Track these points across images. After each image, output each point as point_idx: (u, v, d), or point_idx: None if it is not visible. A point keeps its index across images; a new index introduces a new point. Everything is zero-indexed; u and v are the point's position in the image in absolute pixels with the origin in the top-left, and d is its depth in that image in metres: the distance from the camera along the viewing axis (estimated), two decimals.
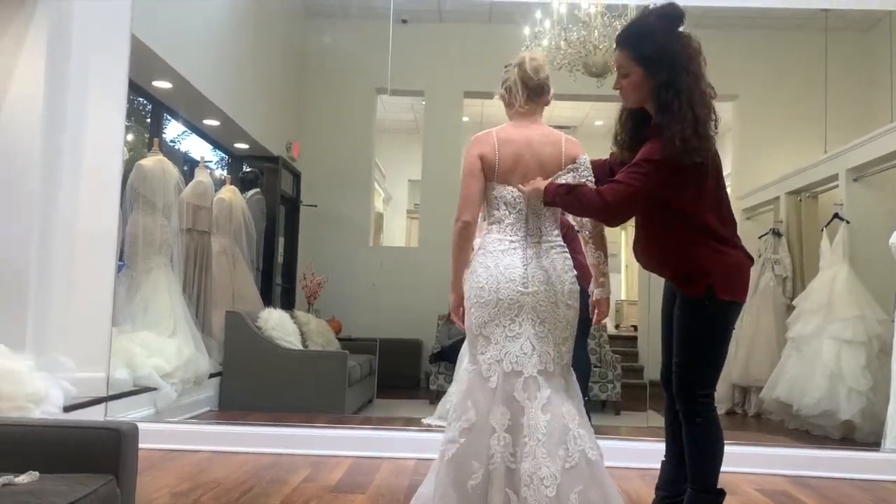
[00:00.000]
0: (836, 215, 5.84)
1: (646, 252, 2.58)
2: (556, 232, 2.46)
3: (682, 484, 2.62)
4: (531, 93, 2.44)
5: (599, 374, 6.35)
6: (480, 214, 2.52)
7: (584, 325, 4.99)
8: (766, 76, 7.37)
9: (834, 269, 5.66)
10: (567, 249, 2.47)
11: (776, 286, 6.51)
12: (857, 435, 5.11)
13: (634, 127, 2.54)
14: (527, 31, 6.34)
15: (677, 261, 2.50)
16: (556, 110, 7.67)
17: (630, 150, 2.53)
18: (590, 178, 2.43)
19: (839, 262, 5.66)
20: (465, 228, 2.42)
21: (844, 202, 5.86)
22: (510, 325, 2.35)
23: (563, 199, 2.38)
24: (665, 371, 2.66)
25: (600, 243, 2.45)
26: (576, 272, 2.47)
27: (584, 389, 5.08)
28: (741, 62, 7.39)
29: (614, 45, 2.52)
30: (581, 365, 5.07)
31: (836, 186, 6.06)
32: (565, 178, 2.41)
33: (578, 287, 2.44)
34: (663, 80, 2.34)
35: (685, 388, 2.51)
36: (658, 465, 3.95)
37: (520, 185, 2.41)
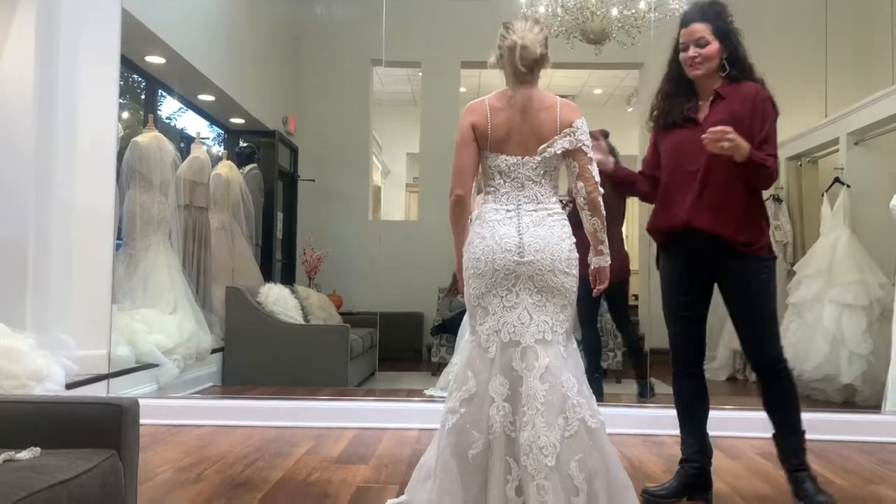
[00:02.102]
0: (836, 180, 5.81)
1: (713, 212, 2.68)
2: (554, 199, 2.42)
3: (709, 453, 2.84)
4: (524, 75, 2.38)
5: (601, 342, 6.36)
6: (475, 185, 2.50)
7: (593, 303, 5.02)
8: (765, 39, 7.28)
9: (835, 233, 5.65)
10: (562, 218, 2.42)
11: (777, 252, 6.49)
12: (858, 398, 5.13)
13: (679, 99, 2.81)
14: None
15: (748, 219, 2.70)
16: (554, 79, 7.60)
17: (666, 121, 2.80)
18: (586, 142, 2.37)
19: (840, 226, 5.64)
20: (457, 203, 2.41)
21: (845, 166, 5.82)
22: (507, 296, 2.33)
23: (762, 168, 2.62)
24: (686, 348, 2.84)
25: (596, 210, 2.41)
26: (573, 240, 2.43)
27: (596, 365, 5.11)
28: (738, 25, 7.30)
29: (686, 20, 2.79)
30: (590, 341, 5.10)
31: (837, 151, 6.03)
32: (561, 144, 2.36)
33: (577, 254, 2.41)
34: (733, 48, 2.75)
35: (772, 347, 2.75)
36: (660, 431, 4.01)
37: (715, 130, 2.54)
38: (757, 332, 2.74)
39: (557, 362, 2.26)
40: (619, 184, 2.92)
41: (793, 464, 2.75)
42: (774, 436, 2.80)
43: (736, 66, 2.75)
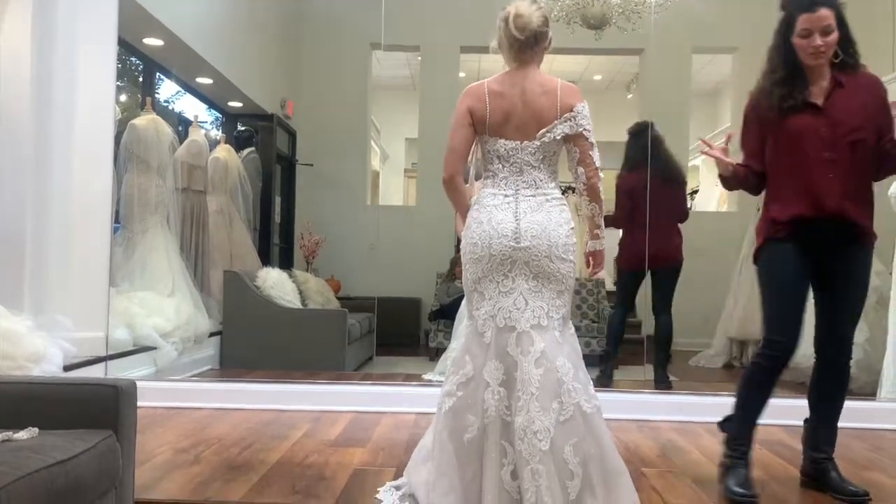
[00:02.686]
0: None
1: (854, 200, 2.66)
2: (553, 185, 2.41)
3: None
4: (522, 47, 2.37)
5: (597, 328, 6.38)
6: (474, 169, 2.51)
7: (632, 288, 5.16)
8: (767, 28, 7.24)
9: None
10: (561, 203, 2.40)
11: None
12: (854, 386, 5.09)
13: (796, 84, 2.71)
14: None
15: (871, 207, 2.72)
16: (554, 64, 7.57)
17: (783, 106, 2.69)
18: (587, 126, 2.35)
19: None
20: (447, 184, 2.44)
21: None
22: (503, 281, 2.34)
23: None
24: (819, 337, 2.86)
25: (595, 196, 2.41)
26: (571, 226, 2.42)
27: (613, 349, 5.17)
28: (740, 13, 7.28)
29: (811, 4, 2.64)
30: (615, 325, 5.19)
31: None
32: (561, 129, 2.35)
33: (574, 240, 2.40)
34: (847, 34, 2.69)
35: (851, 338, 2.81)
36: (655, 417, 4.03)
37: None
38: (844, 321, 2.78)
39: (552, 347, 2.26)
40: (737, 182, 2.86)
41: (823, 453, 2.80)
42: (810, 422, 2.86)
43: (850, 53, 2.70)
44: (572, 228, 2.40)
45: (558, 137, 2.35)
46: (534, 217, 2.34)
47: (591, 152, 2.36)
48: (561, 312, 2.35)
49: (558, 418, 2.18)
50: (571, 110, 2.34)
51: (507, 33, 2.35)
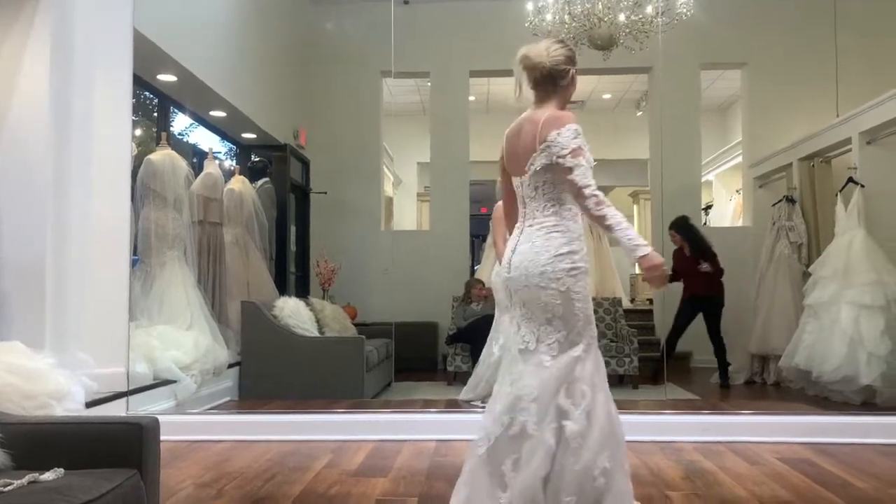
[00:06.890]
0: (850, 179, 5.78)
1: None
2: (550, 212, 2.37)
3: None
4: (534, 86, 2.42)
5: (616, 348, 6.34)
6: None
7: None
8: (776, 41, 7.27)
9: (850, 234, 5.61)
10: (555, 230, 2.34)
11: (791, 253, 6.46)
12: (878, 399, 5.08)
13: None
14: (530, 6, 6.28)
15: None
16: None
17: None
18: (561, 153, 2.27)
19: (855, 226, 5.60)
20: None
21: (858, 166, 5.79)
22: (513, 307, 2.45)
23: None
24: None
25: (596, 220, 2.27)
26: (561, 252, 2.31)
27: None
28: (750, 28, 7.29)
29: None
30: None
31: (850, 150, 5.99)
32: (539, 161, 2.32)
33: (560, 266, 2.31)
34: None
35: None
36: (678, 438, 3.99)
37: None
38: None
39: (530, 369, 2.31)
40: None
41: None
42: None
43: None
44: (561, 255, 2.32)
45: (538, 169, 2.34)
46: (521, 248, 2.40)
47: (569, 177, 2.27)
48: (554, 337, 2.33)
49: (507, 432, 2.27)
50: (545, 140, 2.31)
51: (519, 75, 2.42)
